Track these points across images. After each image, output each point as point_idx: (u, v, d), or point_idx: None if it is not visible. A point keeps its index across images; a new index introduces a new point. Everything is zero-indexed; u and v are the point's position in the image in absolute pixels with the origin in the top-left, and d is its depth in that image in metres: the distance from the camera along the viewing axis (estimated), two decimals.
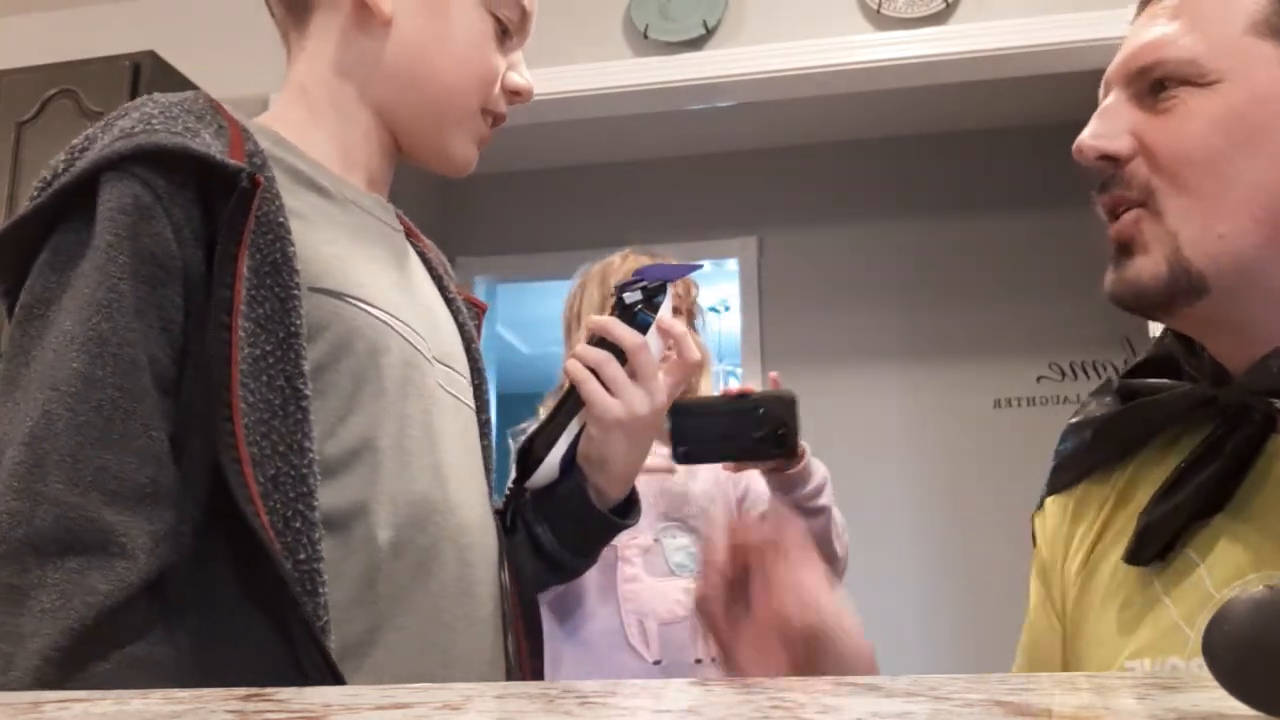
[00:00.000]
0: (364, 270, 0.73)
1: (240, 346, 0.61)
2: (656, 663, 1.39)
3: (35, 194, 0.65)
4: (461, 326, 0.87)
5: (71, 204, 0.63)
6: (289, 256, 0.65)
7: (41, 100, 2.58)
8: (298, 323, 0.64)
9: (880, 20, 2.55)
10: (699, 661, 1.43)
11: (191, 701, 0.34)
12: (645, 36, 2.62)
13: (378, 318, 0.71)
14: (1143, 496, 0.72)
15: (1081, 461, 0.78)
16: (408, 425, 0.71)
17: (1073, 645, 0.75)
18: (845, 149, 3.71)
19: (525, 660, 0.82)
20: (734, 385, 1.35)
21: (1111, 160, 0.70)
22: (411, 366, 0.73)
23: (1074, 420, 0.80)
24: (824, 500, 1.40)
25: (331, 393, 0.67)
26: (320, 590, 0.61)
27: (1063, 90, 2.78)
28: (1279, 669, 0.26)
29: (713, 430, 1.25)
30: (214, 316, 0.61)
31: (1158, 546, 0.68)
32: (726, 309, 5.05)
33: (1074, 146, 0.71)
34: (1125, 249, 0.70)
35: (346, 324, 0.69)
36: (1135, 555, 0.69)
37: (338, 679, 0.61)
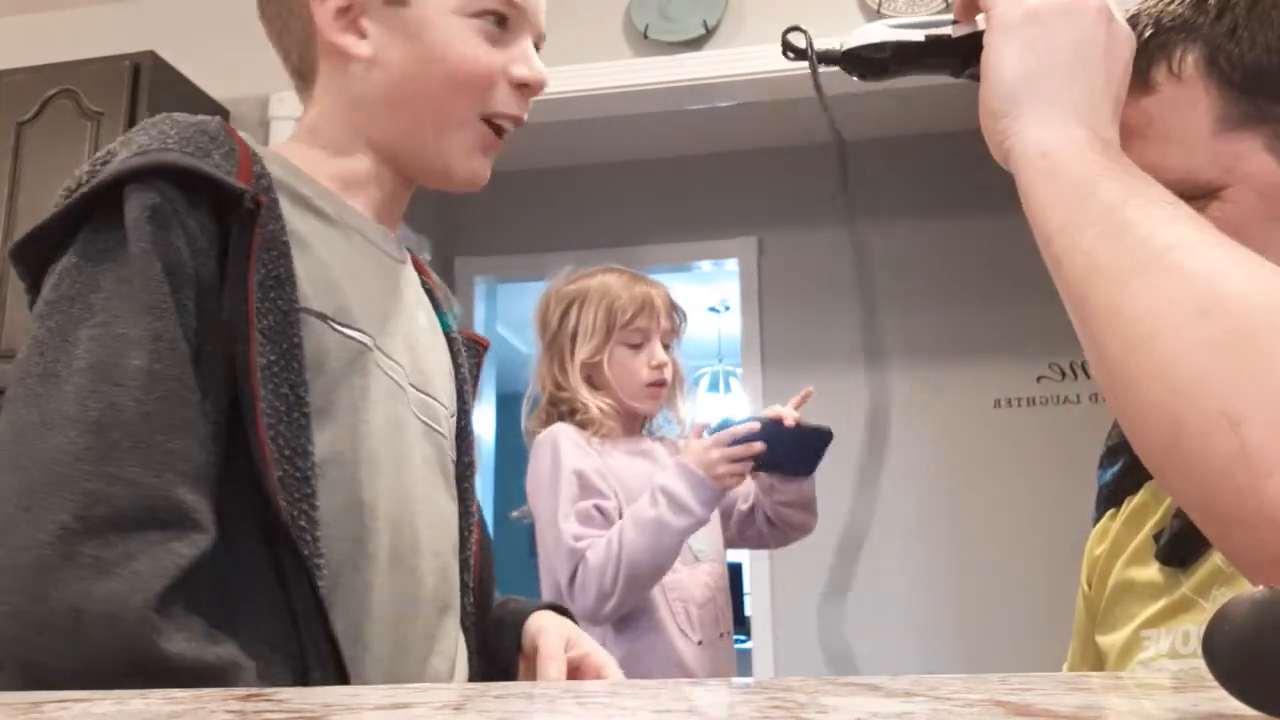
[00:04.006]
0: (352, 296, 0.76)
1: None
2: (699, 642, 1.52)
3: (58, 202, 0.70)
4: (458, 368, 0.91)
5: (95, 211, 0.68)
6: (291, 274, 0.70)
7: (41, 100, 2.57)
8: (299, 335, 0.69)
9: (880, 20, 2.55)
10: (723, 635, 1.59)
11: (191, 702, 0.34)
12: (645, 36, 2.62)
13: (359, 341, 0.75)
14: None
15: (1122, 482, 0.82)
16: (377, 446, 0.74)
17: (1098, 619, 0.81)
18: (845, 149, 3.70)
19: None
20: (776, 408, 1.54)
21: None
22: (381, 389, 0.76)
23: (1109, 444, 0.84)
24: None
25: None
26: (319, 583, 0.67)
27: None
28: (1279, 669, 0.26)
29: (791, 450, 1.52)
30: (235, 326, 0.67)
31: (1190, 548, 0.72)
32: (726, 309, 5.05)
33: None
34: None
35: (325, 344, 0.73)
36: (1170, 555, 0.74)
37: (338, 658, 0.67)
